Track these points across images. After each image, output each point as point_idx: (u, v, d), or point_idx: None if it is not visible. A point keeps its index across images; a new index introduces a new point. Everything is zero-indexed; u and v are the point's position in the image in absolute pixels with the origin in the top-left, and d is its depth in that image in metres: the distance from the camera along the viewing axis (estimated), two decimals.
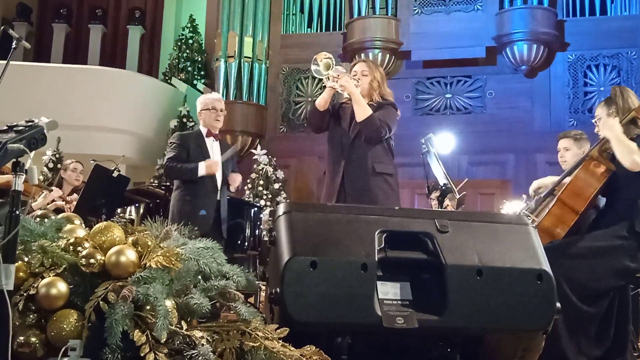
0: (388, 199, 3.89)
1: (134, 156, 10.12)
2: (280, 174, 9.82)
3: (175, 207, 4.70)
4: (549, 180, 3.87)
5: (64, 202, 5.47)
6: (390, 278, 2.49)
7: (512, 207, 4.85)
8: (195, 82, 11.37)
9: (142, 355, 2.05)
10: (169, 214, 4.70)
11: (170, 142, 4.88)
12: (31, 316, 2.16)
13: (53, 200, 5.44)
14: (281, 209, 2.56)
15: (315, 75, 3.96)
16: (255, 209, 6.42)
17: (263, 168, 9.67)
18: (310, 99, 10.28)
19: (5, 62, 3.84)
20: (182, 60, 11.46)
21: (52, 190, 5.52)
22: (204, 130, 4.86)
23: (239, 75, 10.38)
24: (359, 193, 3.86)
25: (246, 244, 6.04)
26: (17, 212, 2.00)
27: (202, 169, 4.61)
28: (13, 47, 4.04)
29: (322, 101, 4.00)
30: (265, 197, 9.45)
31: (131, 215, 6.50)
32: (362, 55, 9.93)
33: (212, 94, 5.15)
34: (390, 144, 4.05)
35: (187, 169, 4.65)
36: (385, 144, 4.01)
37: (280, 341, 2.20)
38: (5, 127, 2.07)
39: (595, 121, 3.60)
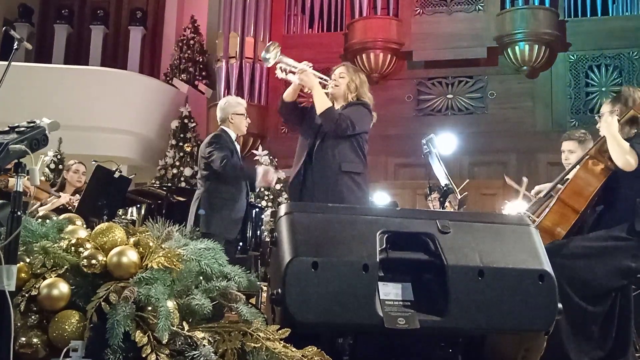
0: (355, 197, 3.84)
1: (135, 157, 10.12)
2: (281, 174, 9.82)
3: (217, 211, 4.64)
4: (550, 185, 3.86)
5: (70, 208, 5.48)
6: (391, 279, 2.49)
7: (513, 207, 4.85)
8: (196, 82, 11.38)
9: (143, 356, 2.05)
10: (204, 217, 4.61)
11: (216, 142, 4.75)
12: (33, 317, 2.16)
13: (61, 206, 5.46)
14: (283, 209, 2.56)
15: (265, 63, 4.01)
16: (257, 209, 6.42)
17: None
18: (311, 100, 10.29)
19: (6, 63, 3.85)
20: (184, 60, 11.46)
21: (60, 196, 5.53)
22: (232, 135, 4.87)
23: (240, 75, 10.38)
24: (325, 191, 3.81)
25: (247, 244, 6.03)
26: (19, 213, 2.01)
27: (260, 177, 4.63)
28: (15, 48, 4.06)
29: (286, 94, 4.04)
30: (266, 197, 9.45)
31: (133, 216, 6.50)
32: (364, 55, 9.95)
33: (240, 99, 5.15)
34: (360, 142, 3.96)
35: (247, 170, 4.76)
36: (354, 142, 3.93)
37: (282, 342, 2.20)
38: (7, 128, 2.07)
39: (599, 117, 3.60)
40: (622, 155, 3.26)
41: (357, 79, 4.06)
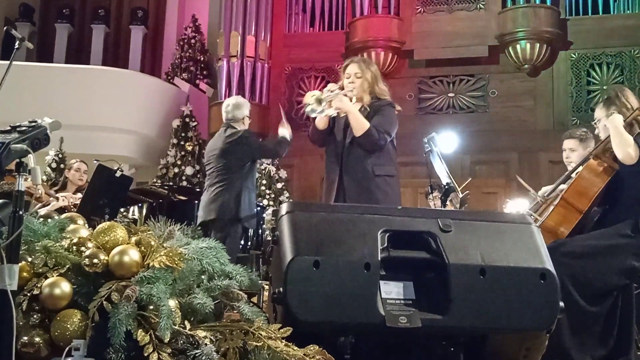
0: (389, 200, 3.85)
1: (136, 156, 10.12)
2: (283, 173, 9.81)
3: (245, 198, 5.02)
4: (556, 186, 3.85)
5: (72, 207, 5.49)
6: (393, 277, 2.49)
7: (515, 205, 4.85)
8: (197, 81, 11.38)
9: (145, 355, 2.06)
10: (230, 201, 4.96)
11: (251, 134, 5.23)
12: (35, 316, 2.16)
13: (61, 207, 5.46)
14: (284, 208, 2.56)
15: (315, 115, 3.87)
16: (258, 208, 6.42)
17: (266, 167, 9.67)
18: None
19: (8, 62, 3.85)
20: (185, 60, 11.46)
21: (58, 198, 5.53)
22: None
23: (241, 74, 10.37)
24: (359, 196, 3.80)
25: (249, 243, 6.04)
26: (21, 213, 2.01)
27: (288, 135, 5.29)
28: (16, 47, 4.06)
29: (321, 123, 3.96)
30: (268, 196, 9.44)
31: (134, 215, 6.51)
32: (365, 54, 9.93)
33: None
34: (391, 143, 3.99)
35: (285, 140, 5.27)
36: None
37: (284, 341, 2.20)
38: (9, 128, 2.08)
39: (595, 123, 3.60)
40: (624, 147, 3.25)
41: (370, 75, 3.96)
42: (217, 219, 4.94)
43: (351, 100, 3.92)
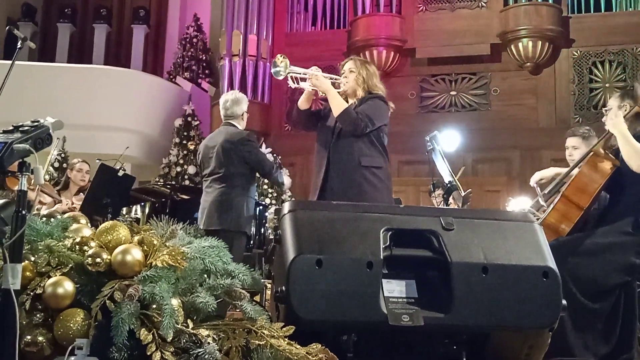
0: (377, 192, 3.84)
1: (139, 155, 10.13)
2: (285, 172, 9.82)
3: (247, 207, 4.78)
4: (551, 171, 3.84)
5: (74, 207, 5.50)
6: (395, 276, 2.49)
7: (517, 203, 4.84)
8: (199, 80, 11.38)
9: (148, 353, 2.06)
10: (234, 212, 4.71)
11: (254, 141, 5.00)
12: (38, 315, 2.17)
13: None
14: (286, 207, 2.57)
15: (276, 77, 4.01)
16: (261, 207, 6.43)
17: None
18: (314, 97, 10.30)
19: (10, 62, 3.85)
20: (187, 59, 11.47)
21: (61, 200, 5.54)
22: None
23: (243, 73, 10.37)
24: (345, 187, 3.82)
25: (252, 242, 6.04)
26: (24, 212, 2.01)
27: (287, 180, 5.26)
28: (18, 47, 4.06)
29: (301, 102, 4.06)
30: (270, 195, 9.45)
31: (137, 214, 6.51)
32: (367, 53, 9.94)
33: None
34: (379, 136, 3.96)
35: (281, 179, 5.12)
36: (372, 137, 3.93)
37: (286, 339, 2.20)
38: (11, 127, 2.08)
39: (606, 110, 3.57)
40: (637, 159, 3.21)
41: (365, 72, 4.03)
42: (221, 231, 4.74)
43: (344, 96, 4.01)
